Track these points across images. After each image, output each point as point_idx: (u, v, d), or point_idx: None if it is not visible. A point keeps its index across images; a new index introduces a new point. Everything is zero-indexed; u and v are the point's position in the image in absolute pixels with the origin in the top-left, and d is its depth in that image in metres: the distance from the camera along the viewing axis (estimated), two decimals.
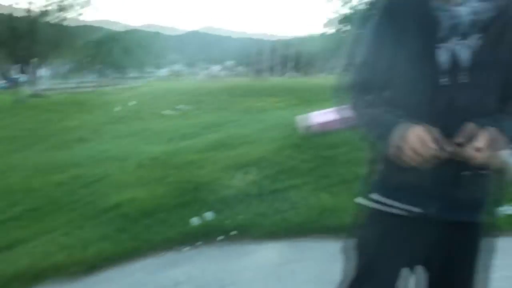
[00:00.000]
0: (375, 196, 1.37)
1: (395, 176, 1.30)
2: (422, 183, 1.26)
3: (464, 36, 1.19)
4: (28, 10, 35.56)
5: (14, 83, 29.62)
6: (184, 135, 8.74)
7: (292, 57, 48.95)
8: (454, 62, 1.19)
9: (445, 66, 1.20)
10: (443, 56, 1.20)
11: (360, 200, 1.42)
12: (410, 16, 1.23)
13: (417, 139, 1.11)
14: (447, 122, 1.18)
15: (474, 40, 1.18)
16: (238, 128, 8.57)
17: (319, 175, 5.06)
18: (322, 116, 6.60)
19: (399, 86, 1.27)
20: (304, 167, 5.35)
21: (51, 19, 36.05)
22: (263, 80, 23.11)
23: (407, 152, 1.13)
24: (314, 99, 11.28)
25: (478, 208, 1.33)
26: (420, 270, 1.40)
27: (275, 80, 23.95)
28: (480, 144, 1.10)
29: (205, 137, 7.98)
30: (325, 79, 20.57)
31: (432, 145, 1.11)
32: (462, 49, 1.19)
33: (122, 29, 65.72)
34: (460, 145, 1.14)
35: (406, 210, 1.31)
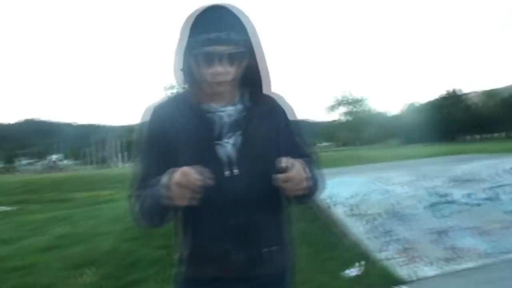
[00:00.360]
0: None
1: (198, 268, 1.40)
2: (225, 269, 1.37)
3: (231, 134, 1.39)
4: None
5: None
6: (7, 239, 7.76)
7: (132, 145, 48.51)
8: (228, 157, 1.37)
9: (224, 160, 1.37)
10: (221, 151, 1.37)
11: None
12: (185, 119, 1.37)
13: (182, 175, 1.19)
14: (234, 209, 1.35)
15: (237, 137, 1.39)
16: (79, 222, 8.02)
17: (167, 264, 4.92)
18: None
19: None
20: (151, 258, 5.16)
21: None
22: (106, 169, 22.32)
23: (174, 188, 1.20)
24: None
25: (283, 280, 1.49)
26: None
27: (119, 169, 23.30)
28: (287, 163, 1.25)
29: (35, 238, 7.24)
30: None
31: (195, 176, 1.19)
32: (231, 146, 1.38)
33: None
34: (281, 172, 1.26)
35: None
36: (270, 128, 1.43)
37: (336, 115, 41.17)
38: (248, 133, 1.38)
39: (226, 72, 1.30)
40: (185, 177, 1.19)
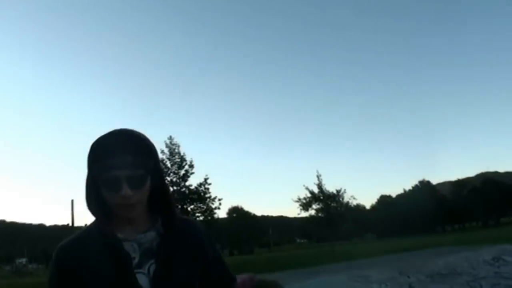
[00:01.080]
0: None
1: None
2: None
3: (145, 263, 1.32)
4: None
5: None
6: None
7: None
8: (148, 285, 1.30)
9: None
10: (141, 280, 1.29)
11: None
12: (97, 252, 1.30)
13: None
14: None
15: (151, 266, 1.32)
16: None
17: None
18: None
19: None
20: None
21: None
22: None
23: None
24: None
25: None
26: None
27: None
28: None
29: None
30: None
31: None
32: (145, 276, 1.31)
33: None
34: None
35: None
36: (187, 252, 1.39)
37: (311, 211, 40.89)
38: (162, 261, 1.32)
39: (129, 195, 1.26)
40: None
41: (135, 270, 1.29)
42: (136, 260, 1.31)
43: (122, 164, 1.25)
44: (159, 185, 1.36)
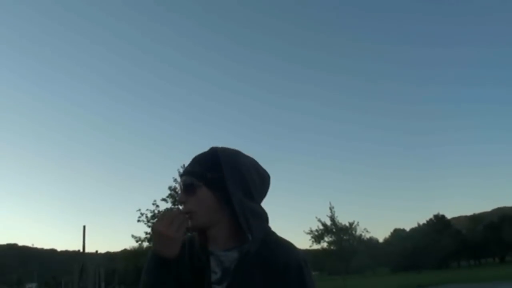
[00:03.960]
0: None
1: None
2: None
3: (220, 283, 1.30)
4: None
5: None
6: None
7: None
8: None
9: None
10: None
11: None
12: (193, 257, 1.33)
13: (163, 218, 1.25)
14: None
15: (228, 282, 1.29)
16: None
17: None
18: None
19: None
20: None
21: None
22: None
23: (155, 234, 1.25)
24: None
25: None
26: None
27: None
28: None
29: None
30: None
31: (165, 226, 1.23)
32: None
33: None
34: None
35: None
36: (266, 278, 1.27)
37: (323, 244, 40.20)
38: (236, 284, 1.26)
39: (182, 200, 1.32)
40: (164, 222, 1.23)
41: (215, 286, 1.28)
42: (218, 276, 1.29)
43: (183, 173, 1.38)
44: (229, 201, 1.29)
